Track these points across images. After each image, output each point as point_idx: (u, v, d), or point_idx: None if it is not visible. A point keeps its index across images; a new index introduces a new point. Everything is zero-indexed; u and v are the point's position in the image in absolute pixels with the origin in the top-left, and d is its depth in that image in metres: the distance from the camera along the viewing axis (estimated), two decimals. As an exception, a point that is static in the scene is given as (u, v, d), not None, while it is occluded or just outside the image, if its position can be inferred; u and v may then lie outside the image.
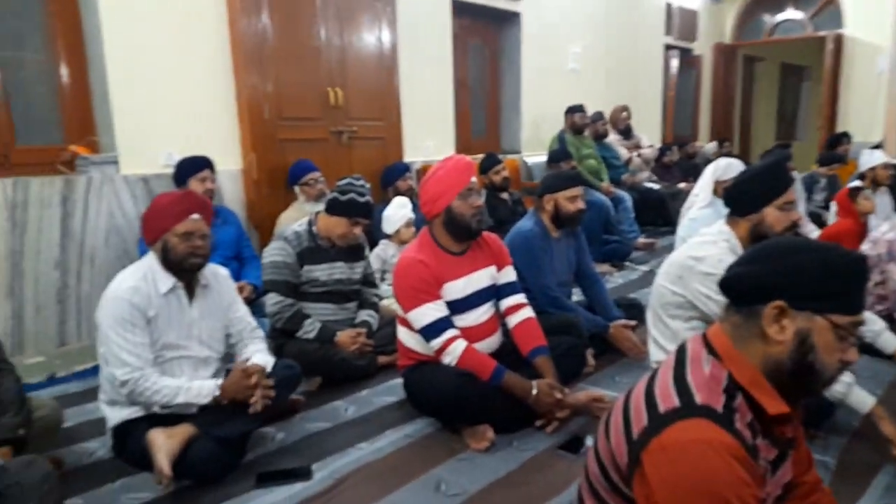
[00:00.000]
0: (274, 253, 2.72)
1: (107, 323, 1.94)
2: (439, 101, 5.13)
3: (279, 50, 3.76)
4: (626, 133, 6.30)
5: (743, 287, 1.13)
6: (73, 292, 3.16)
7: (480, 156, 4.58)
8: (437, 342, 2.17)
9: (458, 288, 2.28)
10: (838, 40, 7.84)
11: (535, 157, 5.84)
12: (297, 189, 3.71)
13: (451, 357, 2.16)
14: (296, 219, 3.12)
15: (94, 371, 2.60)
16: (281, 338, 2.71)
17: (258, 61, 3.68)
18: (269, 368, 2.12)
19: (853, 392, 1.95)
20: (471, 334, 2.27)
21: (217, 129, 3.66)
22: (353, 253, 2.88)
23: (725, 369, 1.10)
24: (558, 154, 4.87)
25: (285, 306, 2.67)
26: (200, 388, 1.98)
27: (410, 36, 4.65)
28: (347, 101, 4.15)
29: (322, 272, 2.77)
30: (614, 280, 4.34)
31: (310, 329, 2.68)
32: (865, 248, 2.95)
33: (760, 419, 1.10)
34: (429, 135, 5.02)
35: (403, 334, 2.35)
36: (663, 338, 2.28)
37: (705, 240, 2.20)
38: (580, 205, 2.86)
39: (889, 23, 7.16)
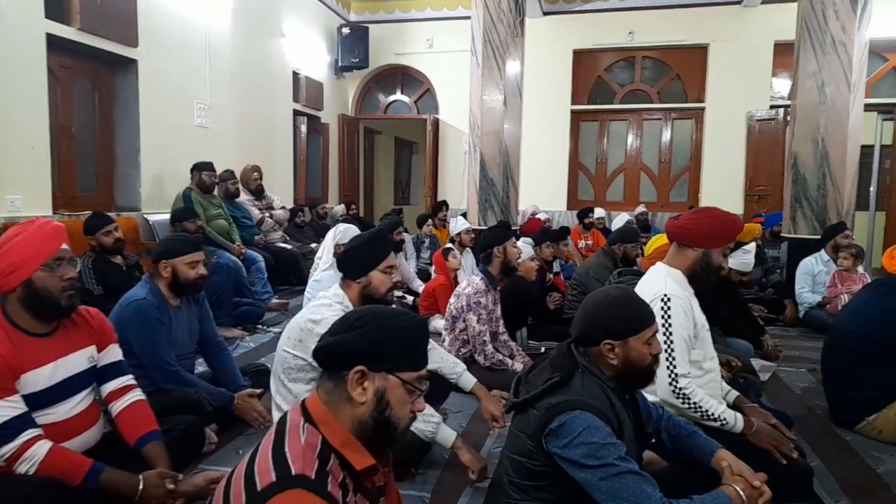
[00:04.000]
0: None
1: None
2: (32, 149, 4.35)
3: None
4: (258, 193, 6.29)
5: (330, 355, 1.24)
6: None
7: (88, 213, 4.02)
8: (9, 448, 1.76)
9: (43, 377, 1.91)
10: (435, 122, 9.43)
11: (160, 215, 5.40)
12: None
13: (29, 464, 1.77)
14: None
15: None
16: None
17: None
18: None
19: (441, 431, 2.27)
20: (63, 430, 1.92)
21: None
22: None
23: (320, 434, 1.18)
24: (182, 213, 4.61)
25: None
26: None
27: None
28: None
29: None
30: (245, 344, 4.22)
31: None
32: (452, 300, 3.51)
33: (352, 475, 1.19)
34: (14, 188, 4.20)
35: (-39, 444, 1.84)
36: (286, 403, 2.29)
37: (322, 302, 2.32)
38: (201, 271, 2.72)
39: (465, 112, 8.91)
